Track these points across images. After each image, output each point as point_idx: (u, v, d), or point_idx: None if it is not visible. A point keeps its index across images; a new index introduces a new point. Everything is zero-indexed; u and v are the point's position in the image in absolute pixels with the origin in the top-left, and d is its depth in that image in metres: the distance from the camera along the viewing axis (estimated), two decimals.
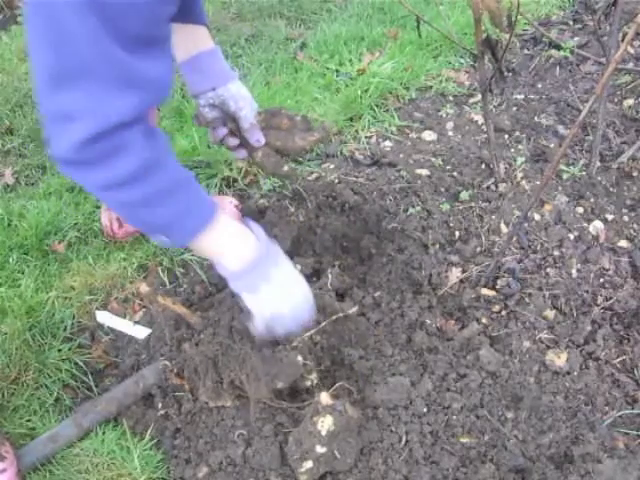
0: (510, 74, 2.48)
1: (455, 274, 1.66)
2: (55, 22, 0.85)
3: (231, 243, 1.16)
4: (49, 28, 0.86)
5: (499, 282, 1.63)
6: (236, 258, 1.15)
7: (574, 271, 1.64)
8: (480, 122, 2.22)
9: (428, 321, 1.53)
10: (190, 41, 1.33)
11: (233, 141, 1.43)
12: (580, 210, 1.82)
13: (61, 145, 0.95)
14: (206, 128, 1.46)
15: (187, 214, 1.11)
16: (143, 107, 0.97)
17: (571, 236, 1.74)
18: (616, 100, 2.23)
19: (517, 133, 2.14)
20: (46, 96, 0.94)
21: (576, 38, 2.63)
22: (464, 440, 1.31)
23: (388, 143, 2.17)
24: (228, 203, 1.85)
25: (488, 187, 1.91)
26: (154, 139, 1.03)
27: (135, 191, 1.02)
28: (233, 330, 1.33)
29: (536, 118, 2.21)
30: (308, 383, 1.36)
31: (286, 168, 1.45)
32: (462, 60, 2.57)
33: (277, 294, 1.20)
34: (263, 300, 1.20)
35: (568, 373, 1.43)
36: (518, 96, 2.35)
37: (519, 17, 1.45)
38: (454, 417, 1.34)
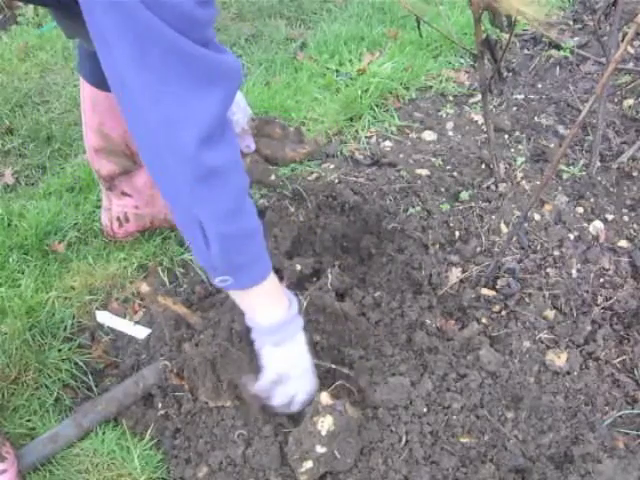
0: (510, 74, 2.48)
1: (455, 274, 1.66)
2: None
3: (270, 299, 1.20)
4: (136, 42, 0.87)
5: (499, 282, 1.63)
6: (270, 313, 1.20)
7: (574, 271, 1.64)
8: (480, 122, 2.22)
9: (428, 321, 1.53)
10: None
11: None
12: (580, 210, 1.82)
13: (184, 154, 0.95)
14: None
15: (258, 259, 1.16)
16: (229, 101, 0.98)
17: (571, 236, 1.74)
18: (616, 100, 2.23)
19: (517, 133, 2.14)
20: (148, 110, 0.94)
21: (576, 38, 2.63)
22: (464, 440, 1.31)
23: (388, 143, 2.17)
24: None
25: (488, 187, 1.91)
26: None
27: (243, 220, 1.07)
28: (233, 332, 1.34)
29: (536, 118, 2.21)
30: None
31: (273, 177, 1.46)
32: (462, 60, 2.57)
33: (295, 355, 1.26)
34: (282, 357, 1.24)
35: (568, 373, 1.43)
36: (518, 96, 2.35)
37: (519, 17, 1.45)
38: (454, 417, 1.34)
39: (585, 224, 1.78)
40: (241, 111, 1.38)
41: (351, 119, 2.26)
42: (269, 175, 1.45)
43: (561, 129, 2.14)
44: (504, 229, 1.77)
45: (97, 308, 1.66)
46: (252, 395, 1.29)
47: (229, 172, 1.01)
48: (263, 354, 1.25)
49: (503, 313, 1.57)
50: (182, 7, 0.87)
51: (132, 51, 0.87)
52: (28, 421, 1.42)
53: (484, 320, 1.55)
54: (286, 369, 1.25)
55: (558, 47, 2.56)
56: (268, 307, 1.20)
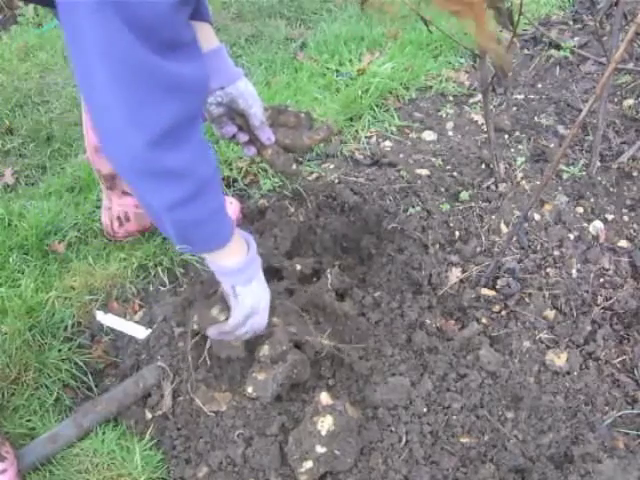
0: (510, 74, 2.48)
1: (455, 274, 1.66)
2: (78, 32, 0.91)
3: (231, 250, 1.26)
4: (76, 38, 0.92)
5: (499, 282, 1.63)
6: (235, 257, 1.26)
7: (574, 271, 1.64)
8: (480, 122, 2.22)
9: (428, 321, 1.53)
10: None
11: (243, 137, 1.45)
12: (580, 210, 1.82)
13: (127, 154, 1.01)
14: (209, 125, 1.47)
15: (216, 234, 1.21)
16: (185, 112, 1.02)
17: (571, 236, 1.74)
18: (616, 100, 2.24)
19: (517, 133, 2.14)
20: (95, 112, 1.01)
21: (576, 38, 2.63)
22: (464, 440, 1.31)
23: (388, 143, 2.17)
24: (228, 204, 1.85)
25: (488, 187, 1.91)
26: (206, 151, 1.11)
27: (196, 207, 1.11)
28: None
29: (536, 118, 2.21)
30: None
31: (294, 166, 1.47)
32: (462, 60, 2.57)
33: (261, 290, 1.33)
34: (252, 293, 1.30)
35: (568, 373, 1.43)
36: (518, 96, 2.35)
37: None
38: (454, 417, 1.34)
39: (585, 224, 1.78)
40: (257, 104, 1.39)
41: (351, 119, 2.26)
42: (291, 165, 1.46)
43: (561, 129, 2.14)
44: (504, 229, 1.77)
45: (97, 308, 1.66)
46: (219, 333, 1.34)
47: (183, 171, 1.06)
48: (237, 292, 1.29)
49: (503, 313, 1.57)
50: (154, 7, 0.89)
51: (98, 48, 0.91)
52: (28, 421, 1.42)
53: (484, 320, 1.56)
54: (256, 303, 1.31)
55: (558, 47, 2.56)
56: (230, 256, 1.25)
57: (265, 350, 1.37)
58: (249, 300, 1.29)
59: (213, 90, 1.36)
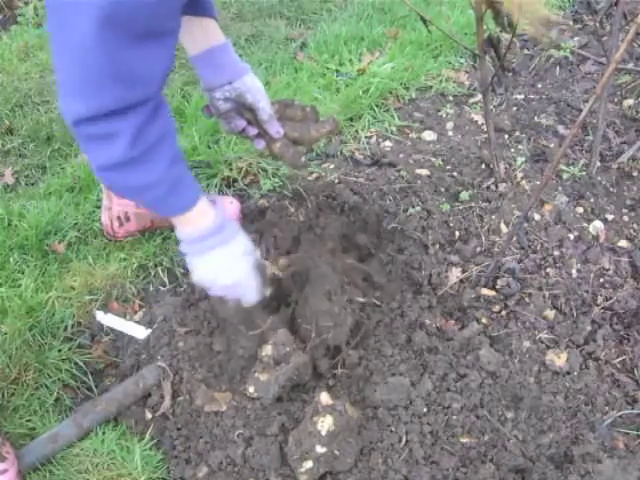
0: (510, 74, 2.48)
1: (455, 274, 1.66)
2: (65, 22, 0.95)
3: (191, 218, 1.26)
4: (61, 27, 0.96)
5: (499, 282, 1.63)
6: (193, 227, 1.26)
7: (574, 271, 1.64)
8: (480, 122, 2.22)
9: (428, 321, 1.53)
10: (200, 34, 1.34)
11: (253, 130, 1.46)
12: (580, 210, 1.82)
13: (71, 118, 1.07)
14: (214, 120, 1.48)
15: (165, 201, 1.20)
16: (133, 98, 1.04)
17: (571, 236, 1.74)
18: (616, 100, 2.23)
19: (517, 133, 2.14)
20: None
21: (576, 38, 2.63)
22: (464, 440, 1.31)
23: (388, 143, 2.17)
24: (228, 204, 1.85)
25: (488, 187, 1.91)
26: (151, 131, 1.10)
27: (128, 176, 1.13)
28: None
29: (536, 118, 2.21)
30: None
31: (303, 159, 1.48)
32: (462, 60, 2.57)
33: (221, 267, 1.30)
34: (203, 266, 1.30)
35: (568, 373, 1.43)
36: (518, 96, 2.35)
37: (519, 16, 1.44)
38: (454, 417, 1.34)
39: (585, 224, 1.78)
40: (265, 98, 1.40)
41: (351, 119, 2.26)
42: (300, 157, 1.47)
43: (561, 129, 2.14)
44: (504, 229, 1.77)
45: (97, 308, 1.66)
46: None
47: (122, 135, 1.06)
48: (187, 261, 1.31)
49: (503, 313, 1.57)
50: None
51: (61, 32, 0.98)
52: (28, 421, 1.42)
53: (484, 320, 1.56)
54: (210, 277, 1.31)
55: (558, 47, 2.56)
56: (184, 225, 1.26)
57: (268, 350, 1.37)
58: (197, 273, 1.30)
59: (220, 85, 1.37)
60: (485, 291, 1.61)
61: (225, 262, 1.30)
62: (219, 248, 1.29)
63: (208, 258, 1.28)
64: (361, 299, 1.47)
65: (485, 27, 1.54)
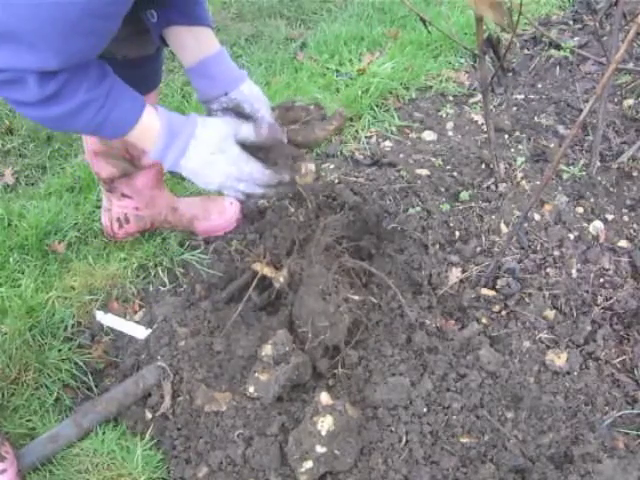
0: (510, 74, 2.48)
1: (455, 274, 1.66)
2: None
3: (147, 126, 1.19)
4: None
5: (499, 282, 1.63)
6: (153, 138, 1.19)
7: (574, 271, 1.64)
8: (480, 122, 2.22)
9: (428, 321, 1.53)
10: (193, 45, 1.32)
11: None
12: (580, 210, 1.82)
13: None
14: None
15: (99, 126, 1.14)
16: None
17: (571, 236, 1.74)
18: (616, 100, 2.24)
19: (517, 133, 2.14)
20: None
21: (576, 38, 2.63)
22: (464, 440, 1.31)
23: (388, 143, 2.17)
24: (228, 204, 1.85)
25: (488, 187, 1.91)
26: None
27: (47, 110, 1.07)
28: None
29: (536, 118, 2.21)
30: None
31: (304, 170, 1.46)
32: (462, 60, 2.57)
33: (208, 153, 1.23)
34: (197, 162, 1.22)
35: (568, 373, 1.43)
36: (518, 96, 2.35)
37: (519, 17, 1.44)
38: (454, 417, 1.34)
39: (585, 224, 1.78)
40: (264, 106, 1.37)
41: (351, 119, 2.26)
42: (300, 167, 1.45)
43: (561, 129, 2.14)
44: (504, 229, 1.77)
45: (97, 308, 1.66)
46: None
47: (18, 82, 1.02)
48: (181, 170, 1.24)
49: (503, 313, 1.57)
50: None
51: None
52: (28, 421, 1.43)
53: (484, 320, 1.56)
54: (202, 172, 1.24)
55: (558, 47, 2.56)
56: (148, 139, 1.20)
57: (268, 350, 1.37)
58: (200, 173, 1.23)
59: (217, 97, 1.34)
60: (485, 291, 1.61)
61: (205, 157, 1.22)
62: (192, 145, 1.21)
63: (190, 160, 1.21)
64: (357, 297, 1.46)
65: (485, 27, 1.54)
